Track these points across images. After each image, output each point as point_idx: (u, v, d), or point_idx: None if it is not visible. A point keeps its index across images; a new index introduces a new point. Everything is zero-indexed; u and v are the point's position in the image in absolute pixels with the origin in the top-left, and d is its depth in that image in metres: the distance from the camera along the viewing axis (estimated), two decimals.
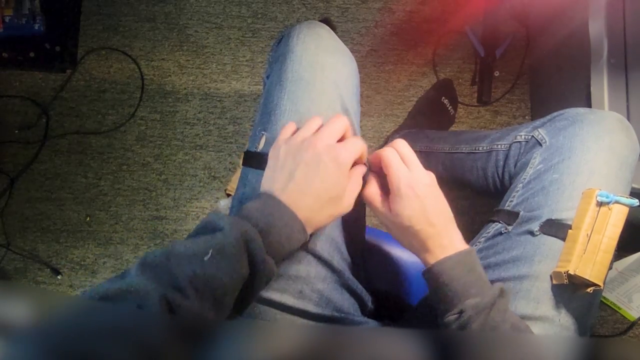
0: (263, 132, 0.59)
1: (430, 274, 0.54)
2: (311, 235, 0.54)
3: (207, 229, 0.46)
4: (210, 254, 0.43)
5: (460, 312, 0.51)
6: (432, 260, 0.54)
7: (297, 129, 0.55)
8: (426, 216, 0.53)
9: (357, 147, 0.53)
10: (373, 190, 0.56)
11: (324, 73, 0.59)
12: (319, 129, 0.54)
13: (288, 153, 0.52)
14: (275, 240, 0.47)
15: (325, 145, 0.51)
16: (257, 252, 0.45)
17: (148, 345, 0.24)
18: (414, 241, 0.54)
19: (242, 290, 0.46)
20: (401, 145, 0.55)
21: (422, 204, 0.53)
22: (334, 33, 0.64)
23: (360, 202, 0.63)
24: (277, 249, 0.48)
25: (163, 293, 0.39)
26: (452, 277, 0.52)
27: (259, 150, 0.59)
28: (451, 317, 0.52)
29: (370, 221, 1.19)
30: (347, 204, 0.53)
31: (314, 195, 0.50)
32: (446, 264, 0.53)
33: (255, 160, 0.59)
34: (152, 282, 0.39)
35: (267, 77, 0.65)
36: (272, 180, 0.52)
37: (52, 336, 0.24)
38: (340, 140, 0.53)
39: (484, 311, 0.50)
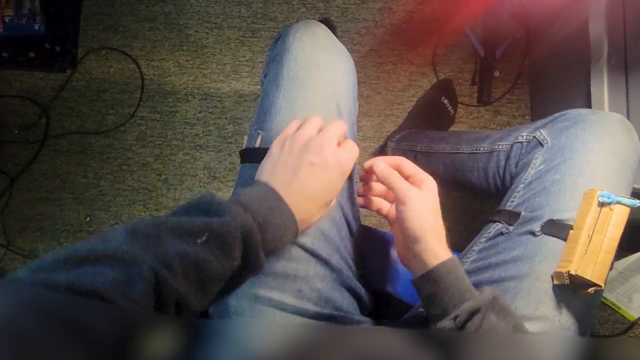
0: (259, 131, 0.60)
1: (426, 280, 0.53)
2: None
3: (205, 209, 0.43)
4: (205, 237, 0.40)
5: (456, 317, 0.50)
6: (427, 265, 0.53)
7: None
8: (437, 212, 0.56)
9: (356, 152, 0.53)
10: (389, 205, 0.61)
11: (319, 71, 0.59)
12: (320, 129, 0.54)
13: (292, 149, 0.51)
14: (269, 237, 0.46)
15: (332, 149, 0.51)
16: (254, 247, 0.44)
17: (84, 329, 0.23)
18: (423, 235, 0.54)
19: (227, 280, 0.44)
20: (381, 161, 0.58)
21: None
22: (330, 32, 0.64)
23: (355, 202, 0.63)
24: (269, 245, 0.47)
25: (151, 265, 0.36)
26: (448, 284, 0.52)
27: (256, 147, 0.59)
28: (446, 322, 0.51)
29: (370, 221, 1.19)
30: (332, 206, 0.55)
31: (315, 199, 0.50)
32: (441, 271, 0.52)
33: (257, 154, 0.59)
34: (142, 252, 0.37)
35: (265, 77, 0.65)
36: (273, 173, 0.51)
37: None
38: None
39: (477, 314, 0.50)
